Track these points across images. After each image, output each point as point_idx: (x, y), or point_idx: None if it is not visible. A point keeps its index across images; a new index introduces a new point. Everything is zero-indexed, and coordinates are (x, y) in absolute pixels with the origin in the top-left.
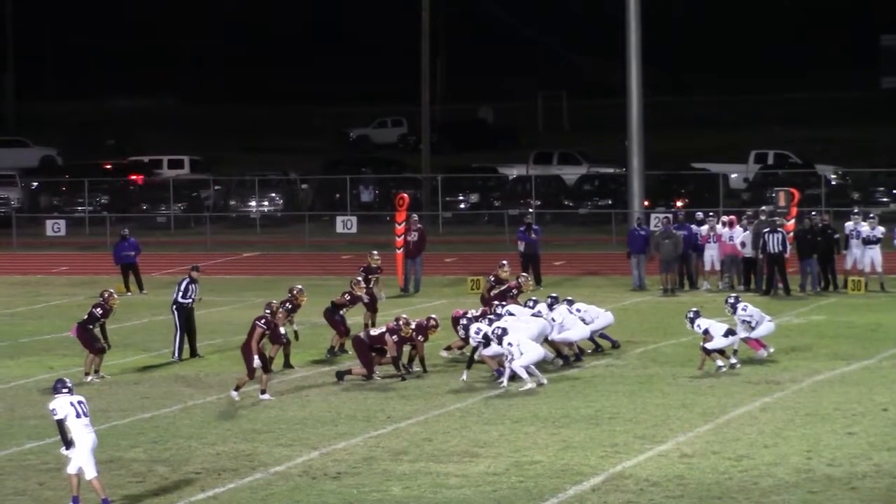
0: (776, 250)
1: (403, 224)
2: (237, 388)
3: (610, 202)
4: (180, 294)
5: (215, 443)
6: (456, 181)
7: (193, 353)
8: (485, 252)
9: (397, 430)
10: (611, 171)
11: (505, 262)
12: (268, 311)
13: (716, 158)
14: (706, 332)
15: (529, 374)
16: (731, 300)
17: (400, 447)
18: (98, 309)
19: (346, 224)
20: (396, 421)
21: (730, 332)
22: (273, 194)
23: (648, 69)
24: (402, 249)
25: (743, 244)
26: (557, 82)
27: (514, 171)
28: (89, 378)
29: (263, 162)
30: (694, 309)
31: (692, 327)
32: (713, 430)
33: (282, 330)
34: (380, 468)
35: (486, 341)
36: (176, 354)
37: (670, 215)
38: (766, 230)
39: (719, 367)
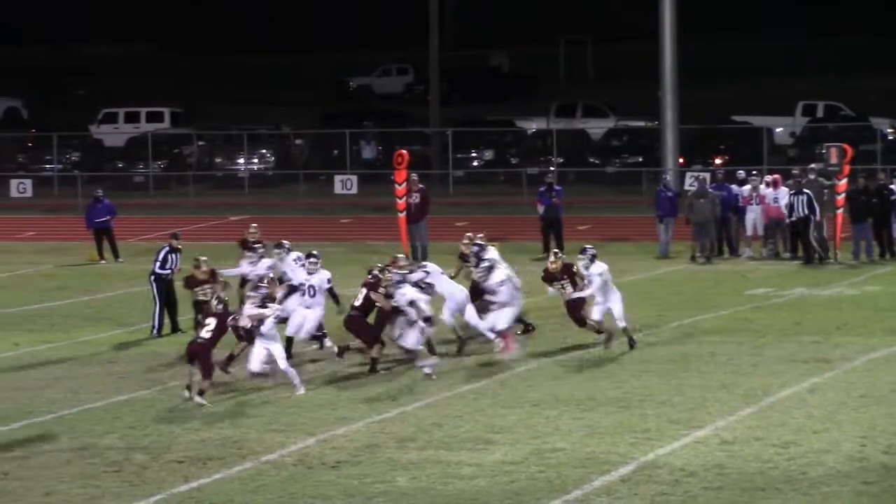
0: (802, 214)
1: (404, 184)
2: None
3: (640, 159)
4: (158, 264)
5: (199, 428)
6: (468, 136)
7: (175, 329)
8: (500, 215)
9: (403, 415)
10: (641, 124)
11: (470, 234)
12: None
13: (759, 110)
14: (601, 274)
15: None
16: (592, 251)
17: (406, 433)
18: None
19: (345, 184)
20: (402, 404)
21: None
22: (263, 151)
23: (683, 10)
24: (404, 213)
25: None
26: (582, 26)
27: (533, 125)
28: None
29: (252, 115)
30: (592, 247)
31: (588, 266)
32: (756, 414)
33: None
34: (384, 456)
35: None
36: (155, 330)
37: (707, 174)
38: (791, 192)
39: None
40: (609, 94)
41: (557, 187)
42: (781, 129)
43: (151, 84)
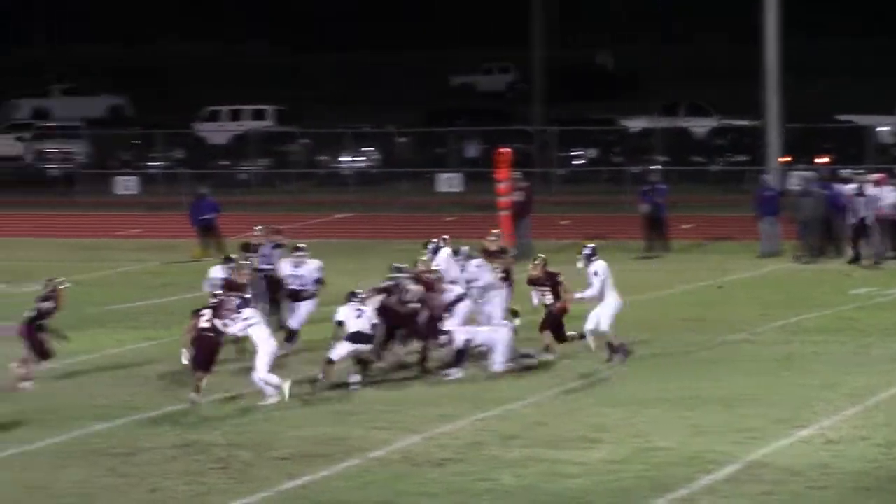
0: (863, 214)
1: (506, 183)
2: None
3: (744, 158)
4: (262, 260)
5: (303, 426)
6: (571, 134)
7: (280, 326)
8: (603, 214)
9: (507, 413)
10: (745, 123)
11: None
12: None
13: (863, 109)
14: (596, 273)
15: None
16: (588, 251)
17: (510, 431)
18: (47, 302)
19: (449, 182)
20: (506, 402)
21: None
22: (368, 148)
23: (787, 9)
24: (507, 211)
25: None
26: (686, 24)
27: (636, 124)
28: (28, 385)
29: (356, 113)
30: (592, 245)
31: (586, 265)
32: (861, 414)
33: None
34: (488, 454)
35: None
36: None
37: (812, 173)
38: (854, 192)
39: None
40: (713, 92)
41: (661, 186)
42: (887, 127)
43: (254, 83)
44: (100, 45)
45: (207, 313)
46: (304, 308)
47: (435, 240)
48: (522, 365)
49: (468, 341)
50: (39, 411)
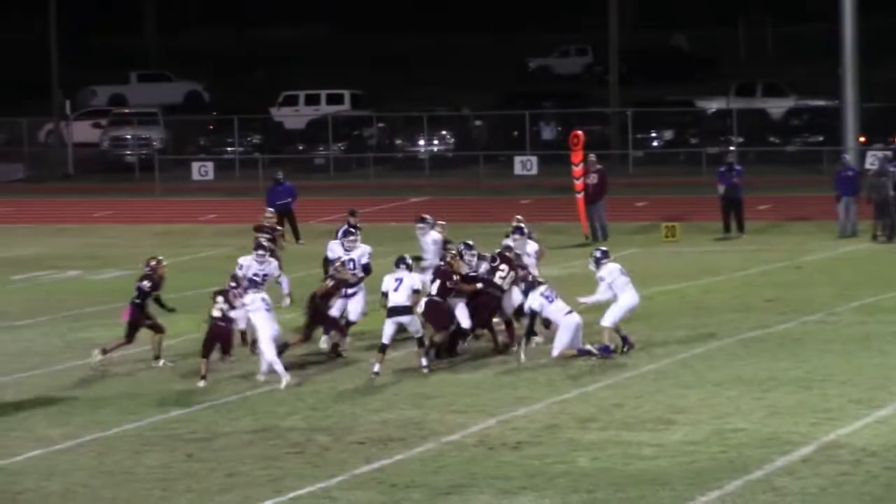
0: None
1: (581, 165)
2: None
3: (821, 138)
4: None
5: (380, 409)
6: (648, 116)
7: None
8: (680, 196)
9: (584, 395)
10: (822, 103)
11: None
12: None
13: None
14: (602, 279)
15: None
16: (598, 254)
17: (587, 413)
18: (146, 281)
19: (525, 165)
20: (582, 384)
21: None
22: (444, 132)
23: None
24: (582, 194)
25: None
26: (762, 3)
27: (713, 105)
28: (161, 362)
29: (431, 96)
30: (603, 248)
31: (596, 268)
32: None
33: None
34: (565, 437)
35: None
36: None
37: (888, 152)
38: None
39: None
40: (789, 73)
41: (738, 167)
42: None
43: (327, 67)
44: (169, 32)
45: (221, 300)
46: (356, 298)
47: (427, 217)
48: (584, 353)
49: (535, 312)
50: (118, 397)
